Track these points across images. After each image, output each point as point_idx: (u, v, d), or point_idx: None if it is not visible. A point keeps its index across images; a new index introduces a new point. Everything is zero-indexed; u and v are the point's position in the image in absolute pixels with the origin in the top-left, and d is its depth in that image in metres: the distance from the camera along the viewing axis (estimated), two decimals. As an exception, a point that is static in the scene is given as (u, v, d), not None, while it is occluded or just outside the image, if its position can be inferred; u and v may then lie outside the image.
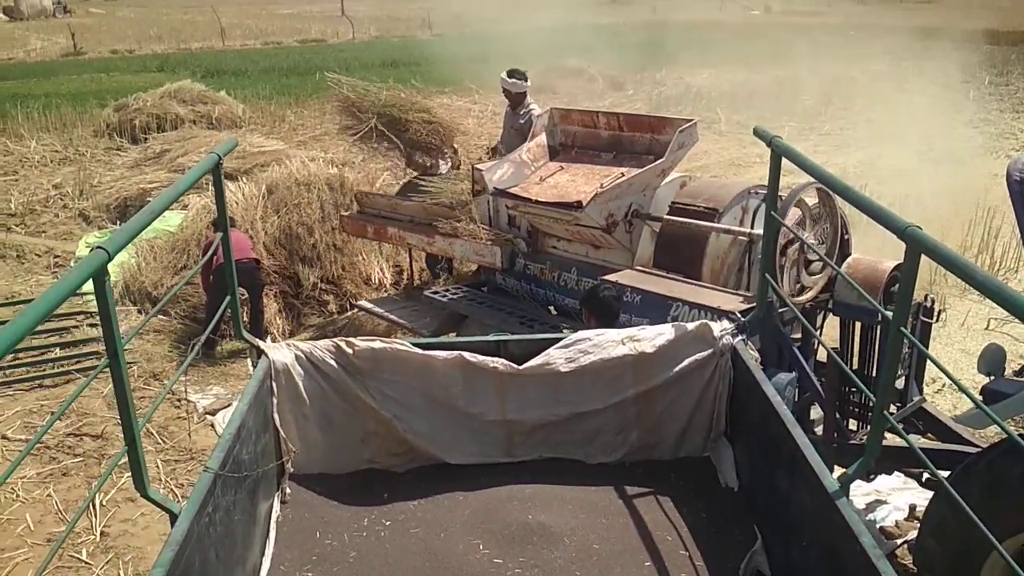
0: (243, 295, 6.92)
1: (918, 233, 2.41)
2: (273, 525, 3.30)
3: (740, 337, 3.71)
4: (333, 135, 17.16)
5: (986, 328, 7.51)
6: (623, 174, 5.42)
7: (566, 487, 3.57)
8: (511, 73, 7.64)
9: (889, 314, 2.59)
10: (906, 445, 4.58)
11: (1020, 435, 3.83)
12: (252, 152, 11.98)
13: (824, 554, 2.74)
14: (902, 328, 2.54)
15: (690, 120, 5.50)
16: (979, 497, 3.37)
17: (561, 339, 3.72)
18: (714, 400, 3.71)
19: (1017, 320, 2.04)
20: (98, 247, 2.27)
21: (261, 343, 3.53)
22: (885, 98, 18.75)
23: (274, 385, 3.45)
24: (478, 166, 6.04)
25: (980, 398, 3.68)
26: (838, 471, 4.31)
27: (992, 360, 3.72)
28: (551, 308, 6.26)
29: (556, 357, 3.66)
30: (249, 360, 6.48)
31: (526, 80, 7.66)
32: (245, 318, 6.74)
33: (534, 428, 3.73)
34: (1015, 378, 3.64)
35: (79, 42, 33.28)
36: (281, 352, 3.51)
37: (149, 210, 2.67)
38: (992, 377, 3.72)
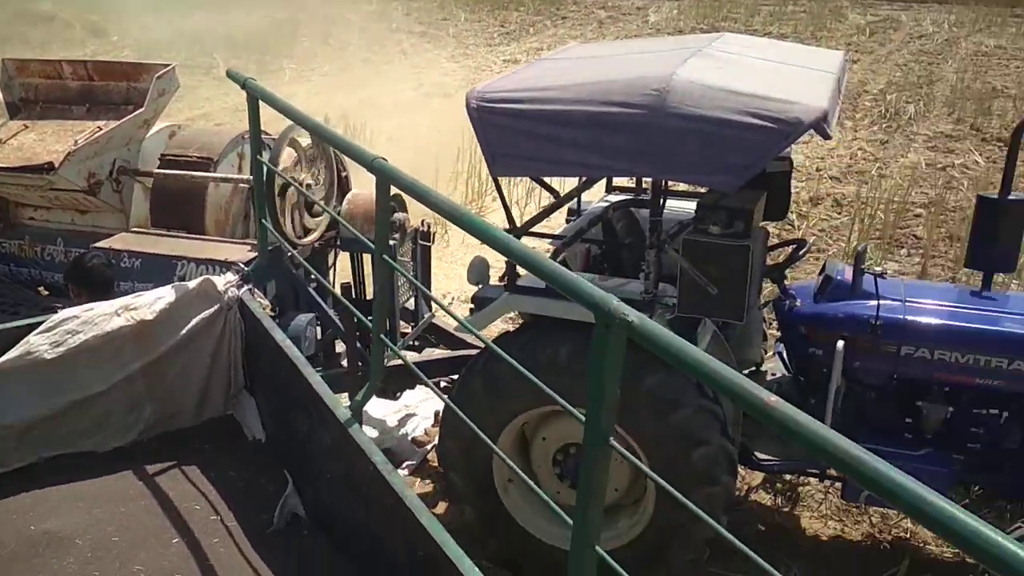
0: None
1: (384, 164, 2.53)
2: None
3: (246, 288, 3.62)
4: None
5: (482, 243, 8.39)
6: (100, 128, 4.91)
7: (76, 484, 3.23)
8: None
9: (371, 244, 2.71)
10: (420, 361, 4.99)
11: (506, 332, 4.32)
12: None
13: (346, 482, 2.84)
14: (385, 256, 2.67)
15: (167, 65, 5.15)
16: (481, 393, 3.78)
17: (41, 323, 3.28)
18: (228, 356, 3.60)
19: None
20: None
21: None
22: (378, 37, 19.65)
23: None
24: (-88, 132, 5.01)
25: (472, 305, 4.08)
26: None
27: (478, 271, 4.11)
28: (42, 289, 5.52)
29: (38, 344, 3.23)
30: None
31: None
32: None
33: (26, 429, 3.28)
34: (498, 283, 4.08)
35: None
36: None
37: None
38: (480, 285, 4.12)
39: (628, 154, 3.39)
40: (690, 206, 3.95)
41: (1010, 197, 3.92)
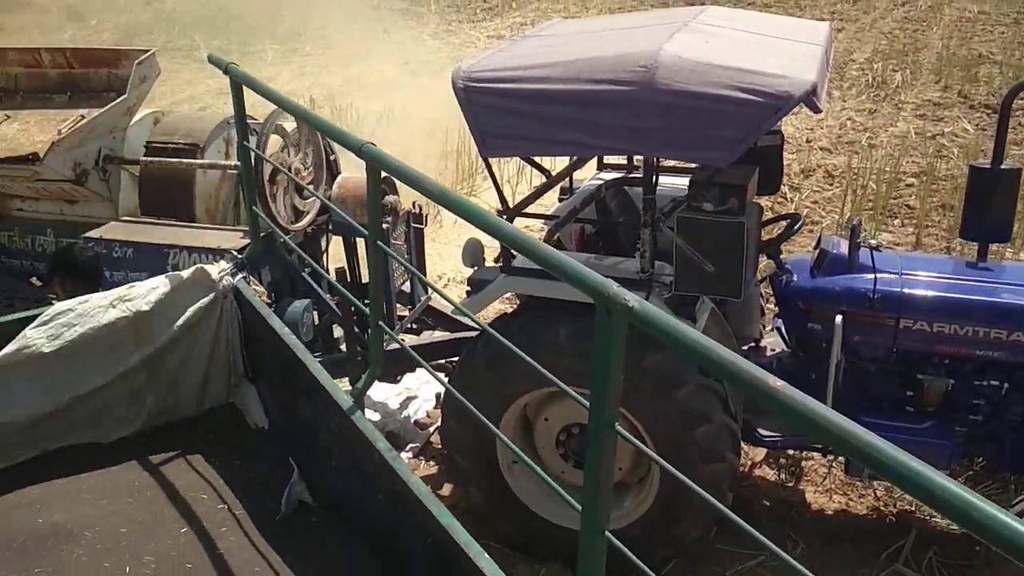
0: None
1: (373, 150, 2.52)
2: None
3: (241, 275, 3.62)
4: None
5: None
6: (83, 116, 4.86)
7: (82, 476, 3.24)
8: None
9: (365, 230, 2.70)
10: (419, 344, 5.00)
11: (504, 313, 4.32)
12: None
13: (352, 468, 2.85)
14: (378, 242, 2.67)
15: (147, 50, 5.09)
16: (482, 373, 3.79)
17: (36, 316, 3.26)
18: (227, 345, 3.60)
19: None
20: None
21: None
22: (359, 15, 19.45)
23: None
24: None
25: (468, 287, 4.08)
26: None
27: (472, 253, 4.11)
28: (34, 279, 5.49)
29: (35, 338, 3.21)
30: None
31: None
32: None
33: (29, 424, 3.27)
34: (493, 265, 4.08)
35: None
36: None
37: None
38: (476, 267, 4.12)
39: (618, 132, 3.38)
40: (683, 183, 3.96)
41: (1002, 166, 3.93)
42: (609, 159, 4.81)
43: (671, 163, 4.11)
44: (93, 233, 4.51)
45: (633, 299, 1.63)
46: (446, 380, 3.08)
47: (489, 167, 3.84)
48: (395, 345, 3.23)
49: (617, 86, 3.27)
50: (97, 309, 3.30)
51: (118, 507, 3.05)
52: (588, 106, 3.35)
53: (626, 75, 3.29)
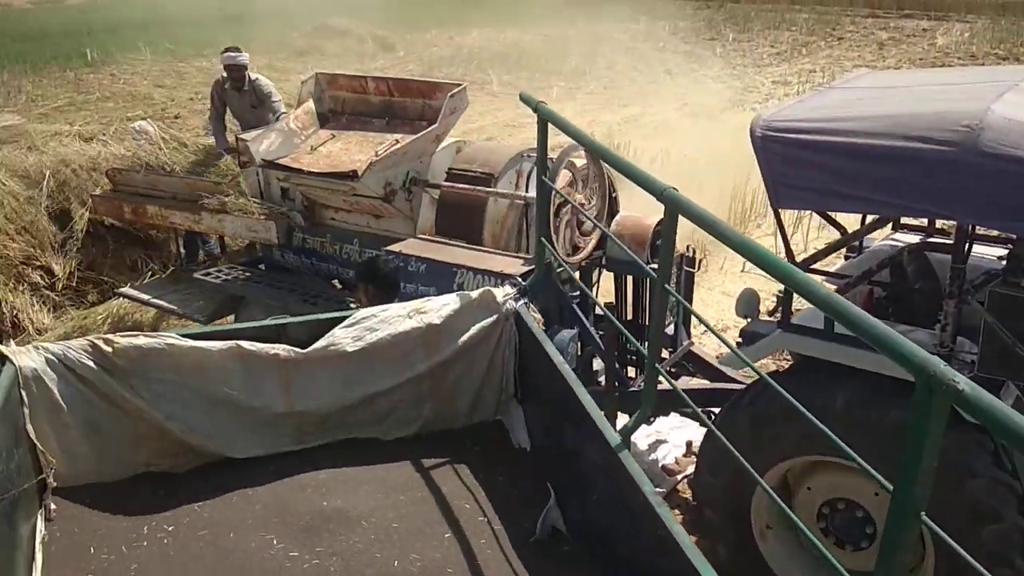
0: None
1: (674, 195, 2.53)
2: (39, 547, 2.99)
3: (522, 300, 3.78)
4: (79, 104, 15.66)
5: (742, 271, 8.18)
6: (397, 141, 5.34)
7: (362, 468, 3.49)
8: (236, 49, 7.15)
9: (654, 273, 2.72)
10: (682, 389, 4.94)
11: (777, 371, 4.18)
12: (-18, 128, 10.63)
13: (611, 505, 2.87)
14: (666, 286, 2.68)
15: (459, 84, 5.50)
16: (745, 431, 3.67)
17: (345, 318, 3.61)
18: (502, 364, 3.77)
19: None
20: None
21: (3, 347, 3.15)
22: (644, 56, 19.77)
23: (24, 394, 3.09)
24: (241, 136, 5.72)
25: (738, 341, 3.99)
26: (622, 417, 4.56)
27: (747, 303, 4.02)
28: (336, 282, 6.09)
29: (341, 337, 3.55)
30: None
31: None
32: None
33: (326, 415, 3.61)
34: (768, 319, 3.97)
35: None
36: (29, 356, 3.15)
37: None
38: (749, 319, 4.02)
39: (932, 194, 3.16)
40: (996, 253, 3.62)
41: None
42: (907, 220, 4.50)
43: (984, 231, 3.77)
44: (394, 247, 4.94)
45: (963, 381, 1.51)
46: (708, 427, 3.01)
47: (778, 218, 3.75)
48: (663, 386, 3.22)
49: (935, 145, 3.07)
50: (396, 318, 3.59)
51: (392, 502, 3.28)
52: (899, 164, 3.16)
53: (946, 135, 3.07)
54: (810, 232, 8.38)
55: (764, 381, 3.25)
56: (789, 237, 3.95)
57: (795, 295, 3.70)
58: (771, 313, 4.39)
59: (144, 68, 19.58)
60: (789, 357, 5.14)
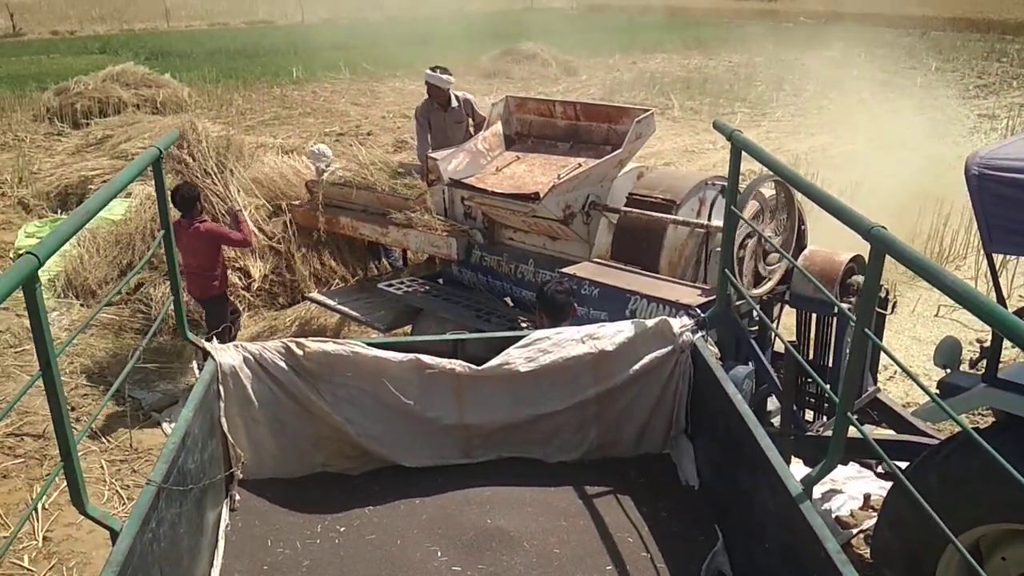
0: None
1: (883, 234, 2.37)
2: (222, 535, 3.18)
3: (700, 333, 3.67)
4: (283, 119, 16.84)
5: (936, 315, 7.62)
6: (580, 165, 5.35)
7: (525, 488, 3.50)
8: (443, 70, 7.07)
9: (852, 315, 2.56)
10: (861, 436, 4.63)
11: (975, 428, 3.86)
12: (198, 138, 11.63)
13: (786, 557, 2.71)
14: (866, 330, 2.51)
15: (647, 110, 5.44)
16: (936, 490, 3.38)
17: (520, 338, 3.64)
18: (674, 397, 3.67)
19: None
20: (28, 252, 2.13)
21: (207, 345, 3.39)
22: (836, 84, 18.94)
23: (221, 389, 3.32)
24: (432, 155, 5.92)
25: (937, 392, 3.69)
26: (795, 462, 4.32)
27: (948, 353, 3.72)
28: (508, 300, 6.18)
29: (515, 357, 3.58)
30: (194, 363, 6.27)
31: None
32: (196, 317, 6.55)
33: (492, 431, 3.65)
34: (970, 371, 3.65)
35: (18, 23, 32.22)
36: (228, 354, 3.37)
37: (85, 210, 2.51)
38: (948, 370, 3.72)
39: None
40: None
41: None
42: None
43: None
44: (569, 269, 4.94)
45: None
46: (899, 480, 2.77)
47: (991, 262, 3.45)
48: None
49: None
50: (569, 341, 3.58)
51: (554, 526, 3.26)
52: None
53: None
54: (1015, 279, 7.70)
55: (963, 437, 2.98)
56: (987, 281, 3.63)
57: (1004, 347, 3.40)
58: (973, 365, 4.03)
59: (343, 87, 20.88)
60: (988, 414, 4.72)
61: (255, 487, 3.42)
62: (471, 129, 7.03)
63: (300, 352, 3.40)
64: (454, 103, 7.08)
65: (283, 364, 3.40)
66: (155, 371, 6.83)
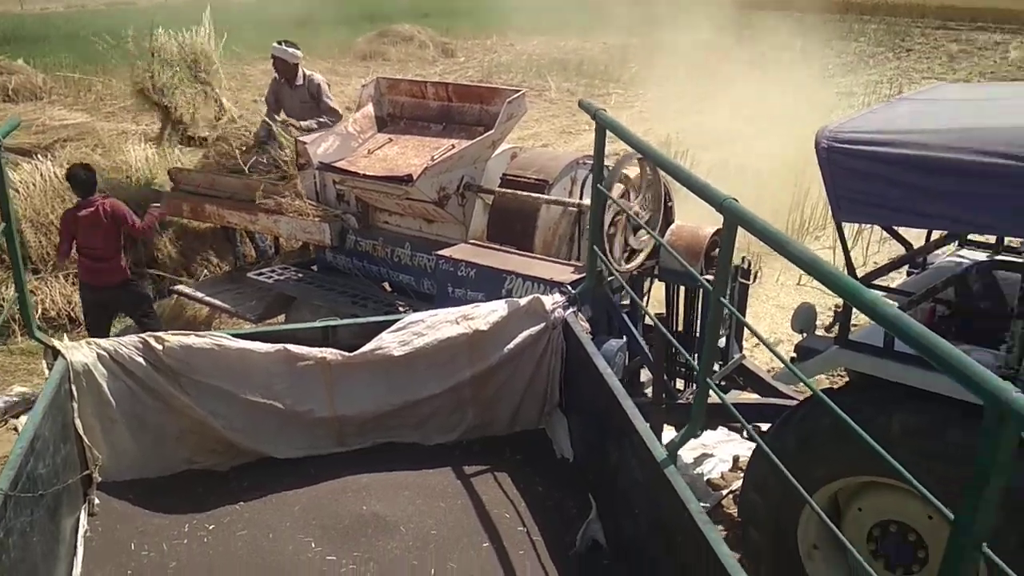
0: None
1: (734, 206, 2.45)
2: (80, 541, 3.03)
3: (571, 309, 3.72)
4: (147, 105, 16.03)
5: (798, 283, 7.99)
6: (454, 146, 5.31)
7: (402, 472, 3.49)
8: (290, 43, 6.75)
9: (709, 285, 2.64)
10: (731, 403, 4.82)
11: (832, 388, 4.04)
12: (53, 126, 10.96)
13: (655, 521, 2.79)
14: (721, 299, 2.60)
15: (518, 90, 5.46)
16: (794, 449, 3.54)
17: (393, 322, 3.60)
18: (548, 373, 3.72)
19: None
20: None
21: (57, 342, 3.21)
22: (706, 66, 19.51)
23: (74, 388, 3.14)
24: (301, 138, 5.76)
25: (792, 356, 3.86)
26: (668, 429, 4.46)
27: (804, 318, 3.89)
28: (386, 285, 6.10)
29: (389, 342, 3.54)
30: (44, 362, 5.94)
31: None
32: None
33: (366, 420, 3.61)
34: (825, 334, 3.83)
35: None
36: (81, 352, 3.20)
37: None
38: (805, 334, 3.89)
39: (1010, 211, 3.01)
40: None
41: None
42: (974, 236, 4.32)
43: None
44: (445, 252, 4.91)
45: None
46: (757, 443, 2.89)
47: (840, 231, 3.62)
48: (712, 400, 3.13)
49: (1014, 160, 2.92)
50: (444, 323, 3.57)
51: (431, 508, 3.26)
52: (975, 179, 3.02)
53: (1025, 149, 2.92)
54: (870, 246, 8.15)
55: (818, 398, 3.14)
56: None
57: (854, 311, 3.58)
58: (828, 329, 4.24)
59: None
60: (844, 374, 4.98)
61: (116, 489, 3.27)
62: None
63: (159, 347, 3.25)
64: (300, 80, 6.78)
65: (141, 360, 3.25)
66: (12, 373, 6.43)
